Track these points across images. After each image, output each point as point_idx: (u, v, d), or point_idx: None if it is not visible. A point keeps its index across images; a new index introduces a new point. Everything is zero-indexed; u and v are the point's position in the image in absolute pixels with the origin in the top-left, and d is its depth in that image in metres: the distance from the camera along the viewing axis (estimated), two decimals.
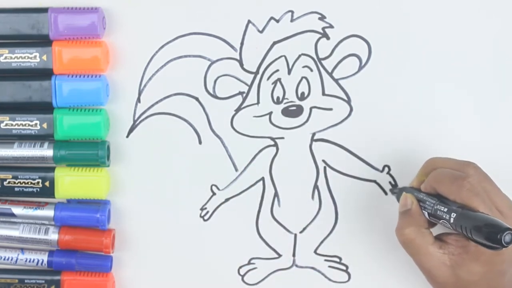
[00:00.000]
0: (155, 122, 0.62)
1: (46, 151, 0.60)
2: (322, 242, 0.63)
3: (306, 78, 0.61)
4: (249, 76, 0.62)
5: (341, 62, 0.61)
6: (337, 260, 0.64)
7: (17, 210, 0.62)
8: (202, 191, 0.63)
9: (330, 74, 0.61)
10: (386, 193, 0.63)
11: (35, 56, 0.60)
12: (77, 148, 0.61)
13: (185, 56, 0.61)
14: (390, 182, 0.62)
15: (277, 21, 0.61)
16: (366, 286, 0.63)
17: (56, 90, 0.60)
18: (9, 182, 0.61)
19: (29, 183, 0.61)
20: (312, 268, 0.64)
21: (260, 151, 0.63)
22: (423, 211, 0.54)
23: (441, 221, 0.52)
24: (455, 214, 0.50)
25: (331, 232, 0.63)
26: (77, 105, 0.61)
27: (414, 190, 0.56)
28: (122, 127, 0.62)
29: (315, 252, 0.64)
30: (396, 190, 0.60)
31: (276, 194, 0.63)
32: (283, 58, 0.61)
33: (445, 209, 0.51)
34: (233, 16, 0.61)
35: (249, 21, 0.61)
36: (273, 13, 0.61)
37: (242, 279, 0.64)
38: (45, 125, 0.60)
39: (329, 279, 0.64)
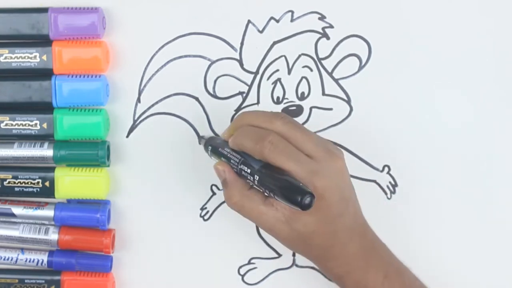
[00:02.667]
0: (155, 122, 0.62)
1: (46, 151, 0.60)
2: None
3: (306, 78, 0.61)
4: (249, 76, 0.62)
5: (341, 62, 0.61)
6: None
7: (17, 210, 0.62)
8: (202, 191, 0.63)
9: (330, 74, 0.61)
10: (386, 193, 0.63)
11: (35, 56, 0.60)
12: (77, 148, 0.61)
13: (185, 56, 0.61)
14: (389, 184, 0.62)
15: (277, 21, 0.61)
16: None
17: (56, 90, 0.60)
18: (9, 182, 0.61)
19: (29, 183, 0.61)
20: (312, 268, 0.64)
21: None
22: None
23: (247, 180, 0.51)
24: (257, 177, 0.49)
25: None
26: (77, 105, 0.61)
27: (220, 144, 0.55)
28: (122, 127, 0.62)
29: None
30: (204, 139, 0.59)
31: None
32: (283, 58, 0.61)
33: (248, 170, 0.50)
34: (233, 16, 0.61)
35: (249, 21, 0.61)
36: (273, 13, 0.61)
37: (242, 279, 0.64)
38: (45, 125, 0.60)
39: (329, 279, 0.64)
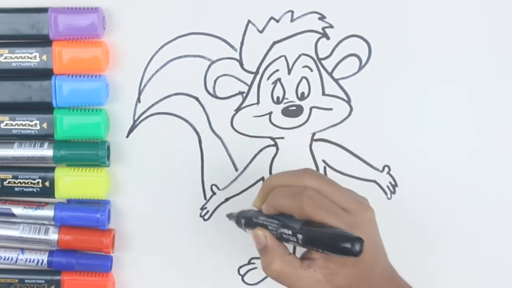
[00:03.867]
0: (155, 122, 0.62)
1: (46, 151, 0.60)
2: None
3: (306, 78, 0.61)
4: (249, 76, 0.62)
5: (341, 62, 0.61)
6: None
7: (17, 210, 0.62)
8: (202, 191, 0.63)
9: (330, 74, 0.61)
10: (386, 193, 0.63)
11: (35, 56, 0.60)
12: (77, 148, 0.61)
13: (185, 56, 0.61)
14: (389, 184, 0.62)
15: (277, 21, 0.61)
16: None
17: (56, 90, 0.60)
18: (9, 182, 0.61)
19: (29, 183, 0.61)
20: None
21: (260, 151, 0.63)
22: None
23: (289, 242, 0.50)
24: (301, 236, 0.49)
25: None
26: (77, 105, 0.61)
27: (253, 215, 0.54)
28: (122, 127, 0.62)
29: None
30: (233, 215, 0.57)
31: None
32: (283, 58, 0.61)
33: (290, 232, 0.49)
34: (233, 16, 0.61)
35: (249, 21, 0.61)
36: (273, 13, 0.61)
37: (242, 279, 0.64)
38: (45, 125, 0.60)
39: None
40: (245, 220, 0.55)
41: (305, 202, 0.49)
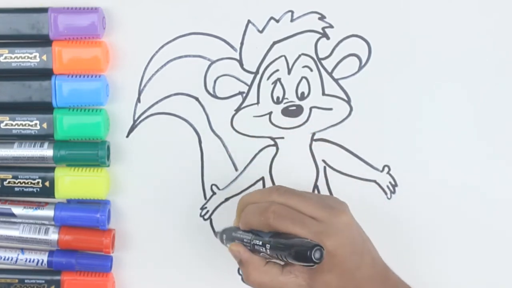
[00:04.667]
0: (155, 122, 0.62)
1: (46, 151, 0.60)
2: None
3: (306, 78, 0.61)
4: (249, 76, 0.62)
5: (341, 62, 0.61)
6: None
7: (17, 210, 0.62)
8: (202, 191, 0.63)
9: (330, 74, 0.61)
10: (386, 193, 0.63)
11: (35, 56, 0.60)
12: (77, 148, 0.61)
13: (185, 56, 0.61)
14: (389, 184, 0.62)
15: (277, 21, 0.61)
16: None
17: (56, 90, 0.60)
18: (9, 182, 0.61)
19: (29, 183, 0.61)
20: None
21: (260, 151, 0.63)
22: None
23: (261, 254, 0.52)
24: (268, 245, 0.50)
25: None
26: (77, 105, 0.61)
27: (233, 230, 0.56)
28: (122, 127, 0.62)
29: None
30: (218, 232, 0.59)
31: None
32: (283, 58, 0.61)
33: (260, 243, 0.51)
34: (233, 16, 0.61)
35: (249, 21, 0.61)
36: (273, 13, 0.61)
37: (242, 279, 0.64)
38: (45, 125, 0.60)
39: None
40: (225, 235, 0.57)
41: (271, 216, 0.51)
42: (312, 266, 0.49)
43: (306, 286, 0.51)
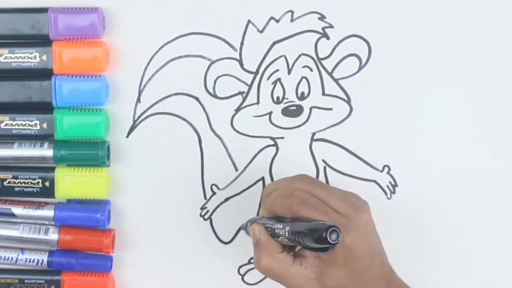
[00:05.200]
0: (155, 122, 0.62)
1: (46, 151, 0.60)
2: None
3: (306, 78, 0.61)
4: (249, 76, 0.62)
5: (341, 62, 0.61)
6: None
7: (17, 210, 0.62)
8: (202, 191, 0.63)
9: (330, 74, 0.61)
10: (386, 193, 0.63)
11: (35, 56, 0.59)
12: (77, 148, 0.61)
13: (185, 56, 0.61)
14: (389, 184, 0.62)
15: (277, 21, 0.61)
16: None
17: (56, 90, 0.60)
18: (9, 182, 0.61)
19: (29, 183, 0.61)
20: None
21: (260, 151, 0.63)
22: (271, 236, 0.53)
23: (280, 238, 0.52)
24: (288, 227, 0.50)
25: None
26: (77, 105, 0.61)
27: (258, 219, 0.56)
28: (122, 127, 0.62)
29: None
30: (244, 224, 0.58)
31: None
32: (283, 58, 0.61)
33: (280, 226, 0.51)
34: (233, 16, 0.61)
35: (249, 21, 0.61)
36: (273, 13, 0.61)
37: (242, 279, 0.64)
38: (45, 125, 0.60)
39: None
40: (250, 222, 0.56)
41: (294, 201, 0.51)
42: (327, 249, 0.49)
43: (315, 279, 0.51)
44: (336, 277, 0.51)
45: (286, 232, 0.51)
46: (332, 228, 0.47)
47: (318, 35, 0.61)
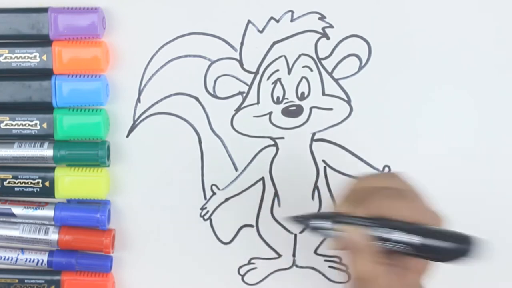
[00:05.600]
0: (155, 122, 0.62)
1: (46, 151, 0.61)
2: (322, 242, 0.63)
3: (306, 78, 0.61)
4: (249, 76, 0.62)
5: (341, 62, 0.61)
6: (338, 260, 0.64)
7: (17, 210, 0.62)
8: (202, 191, 0.63)
9: (330, 74, 0.61)
10: None
11: (35, 56, 0.60)
12: (77, 148, 0.61)
13: (185, 56, 0.61)
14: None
15: (277, 21, 0.61)
16: None
17: (56, 90, 0.60)
18: (9, 182, 0.61)
19: (29, 183, 0.61)
20: (312, 268, 0.64)
21: (260, 151, 0.63)
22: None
23: (386, 245, 0.47)
24: (414, 239, 0.46)
25: None
26: (77, 105, 0.61)
27: (346, 217, 0.47)
28: (122, 127, 0.62)
29: (315, 252, 0.64)
30: (300, 218, 0.48)
31: (276, 194, 0.63)
32: (283, 58, 0.61)
33: (397, 235, 0.46)
34: (233, 16, 0.61)
35: (249, 21, 0.61)
36: (273, 13, 0.61)
37: (242, 279, 0.64)
38: (45, 125, 0.60)
39: (329, 279, 0.64)
40: (333, 221, 0.48)
41: (418, 204, 0.48)
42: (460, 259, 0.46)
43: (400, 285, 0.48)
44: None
45: (413, 243, 0.46)
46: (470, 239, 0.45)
47: (318, 35, 0.61)
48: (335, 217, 0.47)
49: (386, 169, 0.62)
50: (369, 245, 0.47)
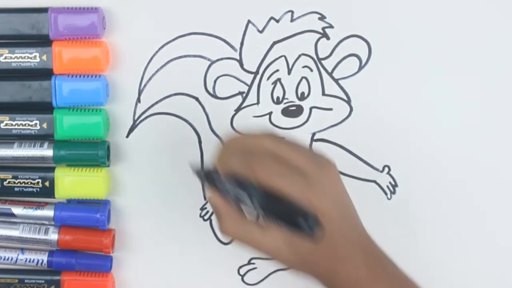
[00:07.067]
0: (155, 122, 0.62)
1: (46, 151, 0.60)
2: None
3: (306, 78, 0.61)
4: (249, 76, 0.62)
5: (341, 62, 0.61)
6: None
7: (17, 210, 0.62)
8: (202, 191, 0.63)
9: (330, 74, 0.61)
10: (386, 194, 0.63)
11: (35, 56, 0.60)
12: (77, 148, 0.61)
13: (185, 56, 0.61)
14: (389, 185, 0.62)
15: (277, 21, 0.61)
16: None
17: (56, 90, 0.60)
18: (9, 182, 0.61)
19: (29, 183, 0.61)
20: None
21: None
22: (228, 197, 0.50)
23: (246, 205, 0.49)
24: (258, 202, 0.48)
25: None
26: (77, 105, 0.61)
27: (215, 173, 0.51)
28: (122, 127, 0.62)
29: None
30: (198, 171, 0.53)
31: None
32: (283, 58, 0.61)
33: (247, 196, 0.48)
34: (233, 16, 0.61)
35: (249, 21, 0.61)
36: (273, 13, 0.61)
37: (242, 279, 0.64)
38: (45, 125, 0.60)
39: None
40: (207, 179, 0.52)
41: (258, 168, 0.48)
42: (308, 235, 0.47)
43: (285, 246, 0.49)
44: (307, 244, 0.48)
45: (255, 206, 0.48)
46: (312, 219, 0.45)
47: (318, 35, 0.61)
48: (206, 177, 0.51)
49: (386, 169, 0.62)
50: (225, 209, 0.50)
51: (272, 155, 0.49)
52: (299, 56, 0.61)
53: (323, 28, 0.61)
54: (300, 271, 0.51)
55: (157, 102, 0.62)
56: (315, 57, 0.61)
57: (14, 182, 0.61)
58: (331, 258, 0.49)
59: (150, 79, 0.61)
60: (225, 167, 0.50)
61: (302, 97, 0.62)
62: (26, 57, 0.60)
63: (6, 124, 0.60)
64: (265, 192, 0.48)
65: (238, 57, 0.61)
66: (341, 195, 0.50)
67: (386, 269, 0.52)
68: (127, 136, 0.63)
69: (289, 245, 0.49)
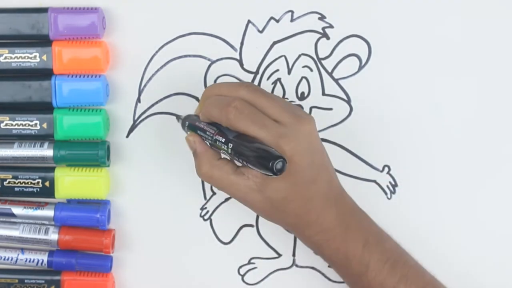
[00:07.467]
0: (155, 122, 0.62)
1: (46, 151, 0.60)
2: None
3: (306, 78, 0.61)
4: (249, 76, 0.62)
5: (341, 62, 0.61)
6: None
7: (17, 210, 0.62)
8: (202, 191, 0.63)
9: (330, 74, 0.61)
10: (386, 193, 0.63)
11: (35, 56, 0.60)
12: (77, 148, 0.61)
13: (185, 56, 0.61)
14: (389, 184, 0.62)
15: (277, 21, 0.61)
16: None
17: (56, 90, 0.60)
18: (9, 182, 0.61)
19: (29, 183, 0.61)
20: (312, 268, 0.64)
21: None
22: (206, 141, 0.53)
23: (220, 151, 0.51)
24: (231, 145, 0.49)
25: None
26: (77, 105, 0.61)
27: (196, 120, 0.55)
28: (122, 127, 0.62)
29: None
30: (181, 118, 0.58)
31: None
32: (283, 58, 0.61)
33: (223, 140, 0.50)
34: (233, 16, 0.61)
35: (249, 21, 0.61)
36: (273, 13, 0.61)
37: (242, 279, 0.64)
38: (45, 125, 0.60)
39: (329, 279, 0.64)
40: (188, 124, 0.56)
41: (231, 112, 0.50)
42: (270, 175, 0.47)
43: (257, 190, 0.50)
44: (277, 189, 0.50)
45: (228, 149, 0.50)
46: (279, 160, 0.46)
47: (318, 35, 0.61)
48: (186, 119, 0.56)
49: (386, 169, 0.62)
50: (202, 150, 0.52)
51: (248, 102, 0.50)
52: (299, 56, 0.61)
53: (323, 28, 0.61)
54: (270, 218, 0.52)
55: (157, 102, 0.62)
56: (315, 57, 0.61)
57: (14, 182, 0.61)
58: (300, 205, 0.50)
59: (150, 79, 0.61)
60: (204, 113, 0.53)
61: (302, 97, 0.62)
62: (26, 57, 0.60)
63: (6, 124, 0.60)
64: (240, 138, 0.50)
65: (238, 57, 0.61)
66: (314, 145, 0.51)
67: (361, 223, 0.53)
68: (127, 136, 0.63)
69: (260, 189, 0.50)
